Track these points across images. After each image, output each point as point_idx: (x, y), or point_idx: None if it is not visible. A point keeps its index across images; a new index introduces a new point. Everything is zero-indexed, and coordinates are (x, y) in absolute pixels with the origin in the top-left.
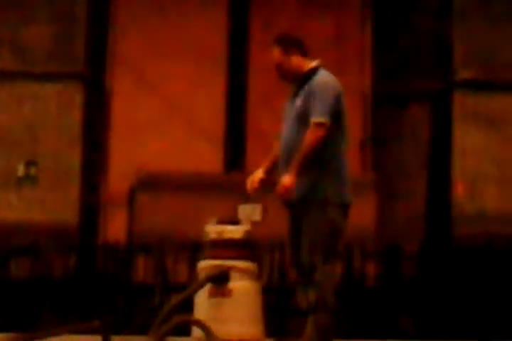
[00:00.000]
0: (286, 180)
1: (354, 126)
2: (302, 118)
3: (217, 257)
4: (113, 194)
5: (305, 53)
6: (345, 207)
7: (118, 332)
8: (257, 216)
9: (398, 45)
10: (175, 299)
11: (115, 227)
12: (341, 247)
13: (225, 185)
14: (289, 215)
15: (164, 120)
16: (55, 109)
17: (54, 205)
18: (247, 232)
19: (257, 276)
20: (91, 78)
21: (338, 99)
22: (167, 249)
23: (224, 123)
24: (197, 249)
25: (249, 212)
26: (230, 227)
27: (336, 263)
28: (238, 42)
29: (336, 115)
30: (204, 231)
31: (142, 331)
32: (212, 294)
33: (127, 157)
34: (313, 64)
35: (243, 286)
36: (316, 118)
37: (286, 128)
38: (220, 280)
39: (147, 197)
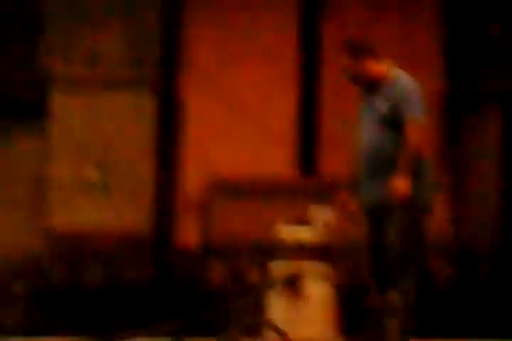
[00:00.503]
0: (401, 184)
1: (428, 127)
2: (388, 122)
3: (290, 259)
4: (187, 200)
5: (376, 55)
6: (429, 206)
7: (192, 335)
8: (329, 218)
9: (470, 44)
10: (248, 302)
11: (190, 233)
12: (424, 249)
13: (298, 189)
14: (369, 218)
15: (236, 127)
16: (128, 116)
17: (128, 212)
18: (320, 234)
19: (331, 278)
20: (163, 86)
21: (423, 101)
22: (241, 252)
23: (296, 130)
24: (270, 251)
25: (321, 215)
26: (302, 229)
27: (420, 265)
28: (310, 49)
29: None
30: (276, 234)
31: (217, 334)
32: (285, 296)
33: (201, 163)
34: (389, 65)
35: (316, 288)
36: (414, 120)
37: (367, 131)
38: (292, 282)
39: (221, 202)
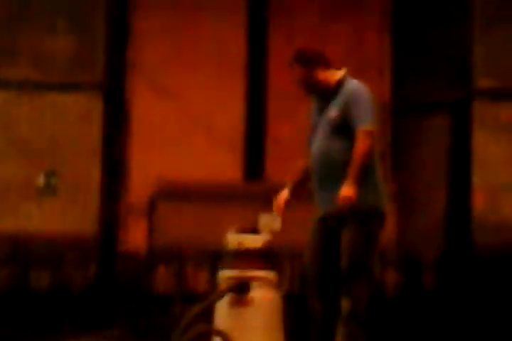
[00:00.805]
0: (348, 191)
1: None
2: (339, 129)
3: (238, 267)
4: (133, 204)
5: (328, 64)
6: (383, 216)
7: None
8: (277, 226)
9: (418, 53)
10: (195, 309)
11: (135, 237)
12: (377, 257)
13: (245, 195)
14: (321, 226)
15: (184, 130)
16: (75, 119)
17: (74, 216)
18: (267, 242)
19: (278, 286)
20: (111, 88)
21: (374, 104)
22: (187, 258)
23: (244, 133)
24: (217, 258)
25: (270, 222)
26: (250, 237)
27: (372, 273)
28: (258, 52)
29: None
30: (224, 241)
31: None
32: (233, 304)
33: (147, 167)
34: (341, 74)
35: (263, 296)
36: (364, 126)
37: (319, 140)
38: (240, 290)
39: (167, 206)
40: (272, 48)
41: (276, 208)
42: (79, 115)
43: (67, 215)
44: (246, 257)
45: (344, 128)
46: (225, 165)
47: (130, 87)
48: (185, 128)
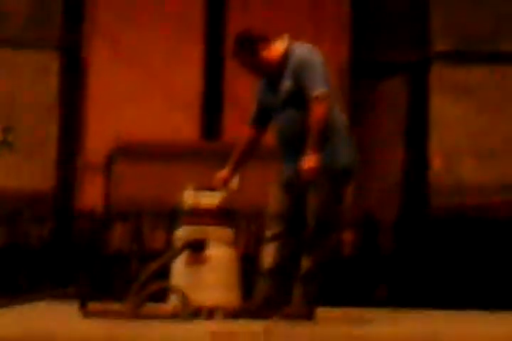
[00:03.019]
0: (310, 161)
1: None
2: (295, 99)
3: (194, 224)
4: (90, 162)
5: (267, 40)
6: (351, 175)
7: (94, 299)
8: (234, 184)
9: (376, 15)
10: (151, 266)
11: (92, 195)
12: (342, 217)
13: (202, 153)
14: (287, 187)
15: (141, 89)
16: (32, 76)
17: (30, 172)
18: (223, 199)
19: (234, 243)
20: (67, 46)
21: (324, 66)
22: (144, 216)
23: (201, 92)
24: (174, 216)
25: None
26: (206, 194)
27: (335, 233)
28: (215, 11)
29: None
30: (180, 199)
31: (118, 298)
32: (189, 261)
33: (104, 125)
34: (284, 44)
35: (220, 253)
36: (316, 91)
37: (280, 113)
38: (196, 247)
39: (124, 165)
40: (230, 7)
41: (215, 185)
42: (35, 72)
43: (23, 172)
44: (202, 214)
45: (301, 98)
46: (183, 124)
47: (87, 44)
48: (142, 86)
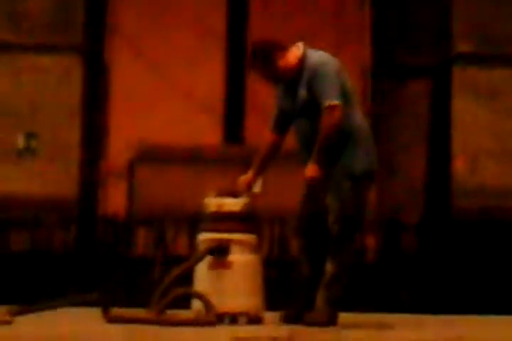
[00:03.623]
0: (311, 170)
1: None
2: (311, 105)
3: (217, 230)
4: (113, 167)
5: (284, 48)
6: (372, 179)
7: (117, 305)
8: (257, 188)
9: (398, 18)
10: (175, 272)
11: (115, 201)
12: (364, 220)
13: (225, 158)
14: (309, 189)
15: (164, 93)
16: (54, 81)
17: (53, 178)
18: (246, 205)
19: (257, 249)
20: (90, 51)
21: (339, 74)
22: (167, 222)
23: (223, 97)
24: (197, 222)
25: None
26: (229, 200)
27: (357, 236)
28: (238, 16)
29: (341, 89)
30: (203, 204)
31: (141, 304)
32: (212, 266)
33: (127, 130)
34: (300, 51)
35: (243, 259)
36: (328, 101)
37: (298, 121)
38: (219, 252)
39: (147, 170)
40: (251, 13)
41: (239, 189)
42: (58, 77)
43: (46, 177)
44: (225, 220)
45: (316, 106)
46: (205, 129)
47: (110, 50)
48: (164, 91)
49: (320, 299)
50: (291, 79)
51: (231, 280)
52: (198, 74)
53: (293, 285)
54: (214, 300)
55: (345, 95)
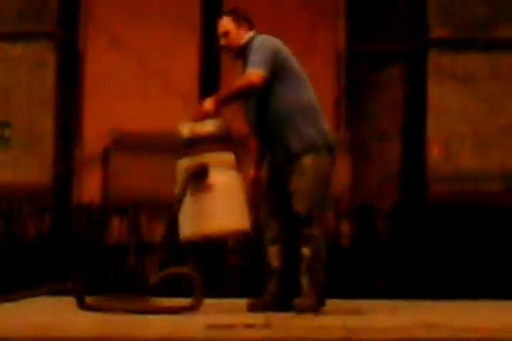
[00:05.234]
0: (209, 103)
1: (327, 85)
2: None
3: (193, 154)
4: (87, 155)
5: (252, 27)
6: (331, 151)
7: (92, 293)
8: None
9: (372, 3)
10: (172, 211)
11: (90, 188)
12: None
13: None
14: (269, 168)
15: (138, 81)
16: (27, 69)
17: (27, 166)
18: (219, 125)
19: (237, 168)
20: (63, 38)
21: (277, 52)
22: (141, 209)
23: (198, 85)
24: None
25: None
26: (201, 123)
27: (327, 214)
28: (213, 5)
29: (282, 69)
30: (176, 132)
31: (115, 291)
32: (194, 191)
33: (101, 118)
34: (251, 33)
35: (223, 179)
36: (251, 69)
37: (244, 104)
38: (198, 176)
39: (121, 157)
40: (225, 1)
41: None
42: (31, 65)
43: (20, 166)
44: (200, 143)
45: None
46: (180, 116)
47: (84, 37)
48: (139, 79)
49: (305, 284)
50: (239, 57)
51: (215, 202)
52: (173, 62)
53: (263, 275)
54: (201, 224)
55: (288, 74)
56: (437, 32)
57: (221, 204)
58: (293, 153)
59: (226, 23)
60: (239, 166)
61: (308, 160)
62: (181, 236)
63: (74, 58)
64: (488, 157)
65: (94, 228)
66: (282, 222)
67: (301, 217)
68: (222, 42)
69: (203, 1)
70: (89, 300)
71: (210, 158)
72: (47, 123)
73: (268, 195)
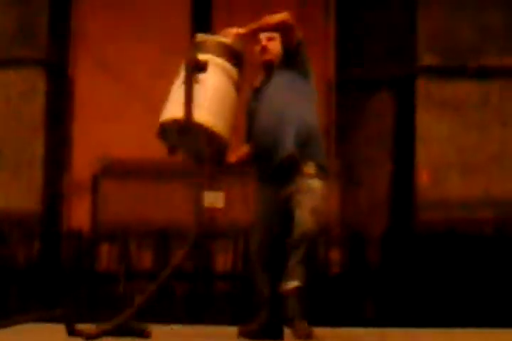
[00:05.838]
0: (239, 30)
1: (318, 112)
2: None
3: (204, 51)
4: (77, 181)
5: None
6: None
7: (81, 320)
8: (220, 203)
9: (362, 31)
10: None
11: (79, 215)
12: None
13: (189, 172)
14: (266, 191)
15: (128, 106)
16: (18, 95)
17: (17, 192)
18: (235, 42)
19: (238, 84)
20: (54, 64)
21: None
22: (131, 236)
23: None
24: (162, 236)
25: (213, 200)
26: (218, 35)
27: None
28: (202, 26)
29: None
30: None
31: (105, 319)
32: (186, 80)
33: (91, 144)
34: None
35: (216, 79)
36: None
37: (261, 113)
38: (197, 67)
39: (111, 184)
40: (215, 24)
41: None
42: (21, 91)
43: (10, 192)
44: (211, 45)
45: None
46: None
47: (74, 62)
48: (129, 104)
49: (295, 313)
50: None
51: (199, 95)
52: (162, 86)
53: (253, 303)
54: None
55: (313, 91)
56: (426, 59)
57: (203, 100)
58: (294, 169)
59: (276, 45)
60: (239, 83)
61: (316, 182)
62: (163, 118)
63: (64, 84)
64: (476, 184)
65: (84, 255)
66: (274, 250)
67: (292, 239)
68: (265, 57)
69: (192, 24)
70: (77, 326)
71: (216, 60)
72: (37, 149)
73: (261, 222)
